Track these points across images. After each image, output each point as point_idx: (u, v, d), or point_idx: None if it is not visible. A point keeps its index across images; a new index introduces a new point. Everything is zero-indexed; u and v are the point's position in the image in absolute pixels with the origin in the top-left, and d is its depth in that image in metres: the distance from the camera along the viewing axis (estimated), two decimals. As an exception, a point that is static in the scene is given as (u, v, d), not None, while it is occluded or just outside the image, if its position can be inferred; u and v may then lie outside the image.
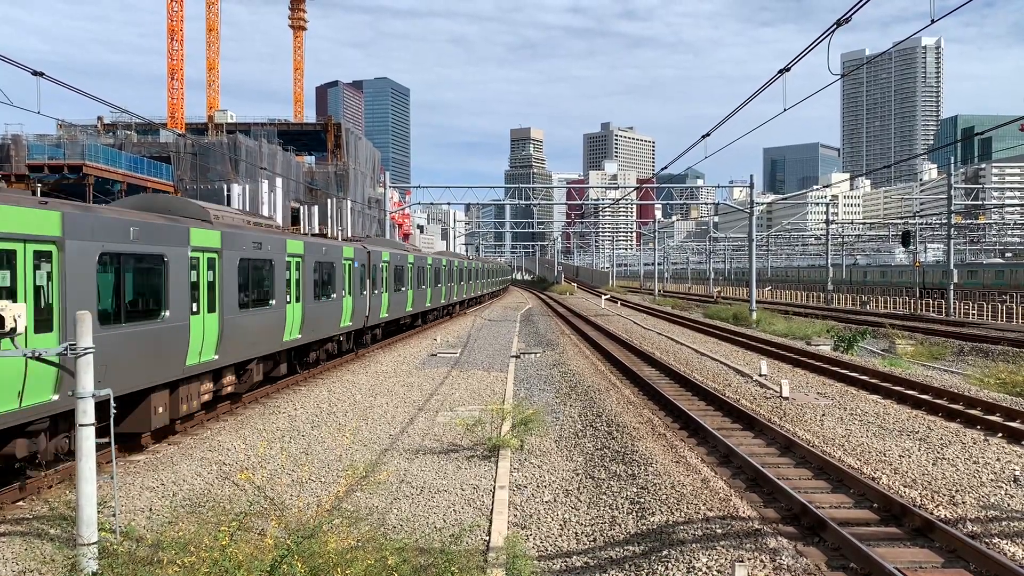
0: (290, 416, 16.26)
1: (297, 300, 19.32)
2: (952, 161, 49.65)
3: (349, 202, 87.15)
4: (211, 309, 14.52)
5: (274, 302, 17.71)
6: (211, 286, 14.59)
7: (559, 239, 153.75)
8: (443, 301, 42.63)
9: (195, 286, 13.95)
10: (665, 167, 20.43)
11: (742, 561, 7.80)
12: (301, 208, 69.45)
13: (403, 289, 31.89)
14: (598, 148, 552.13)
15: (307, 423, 15.75)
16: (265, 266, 17.34)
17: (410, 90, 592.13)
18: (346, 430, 15.40)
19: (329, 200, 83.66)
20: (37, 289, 10.01)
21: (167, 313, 12.84)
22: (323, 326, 21.69)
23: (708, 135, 16.99)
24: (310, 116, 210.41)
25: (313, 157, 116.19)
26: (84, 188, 59.60)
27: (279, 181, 63.02)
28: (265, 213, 68.90)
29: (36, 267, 10.00)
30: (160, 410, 12.81)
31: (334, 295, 22.37)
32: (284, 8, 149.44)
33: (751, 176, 45.43)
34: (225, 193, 51.95)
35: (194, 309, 13.86)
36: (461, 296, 50.26)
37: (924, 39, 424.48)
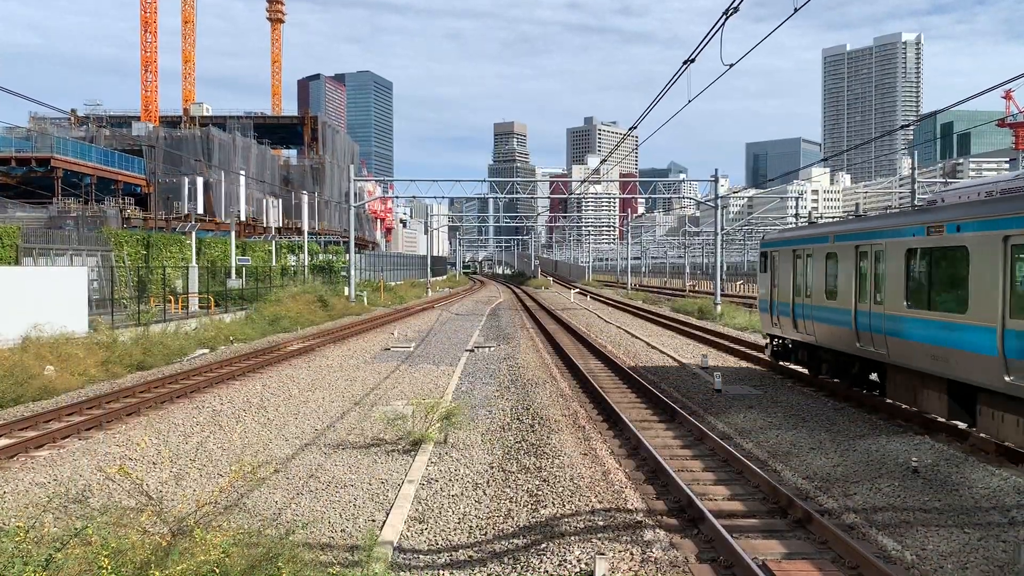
0: (215, 410, 16.14)
1: None
2: (935, 154, 49.93)
3: (315, 195, 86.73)
4: None
5: None
6: None
7: (541, 233, 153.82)
8: None
9: None
10: (603, 161, 20.37)
11: (603, 554, 7.80)
12: (266, 200, 68.88)
13: None
14: (581, 142, 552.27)
15: (232, 418, 15.63)
16: None
17: (393, 84, 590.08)
18: (272, 424, 15.32)
19: (304, 193, 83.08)
20: None
21: None
22: None
23: (635, 127, 17.17)
24: (291, 110, 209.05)
25: (294, 151, 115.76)
26: (52, 181, 59.00)
27: (243, 175, 62.61)
28: (241, 207, 68.37)
29: None
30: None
31: None
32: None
33: (715, 170, 45.63)
34: (186, 187, 51.48)
35: None
36: None
37: (905, 35, 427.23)
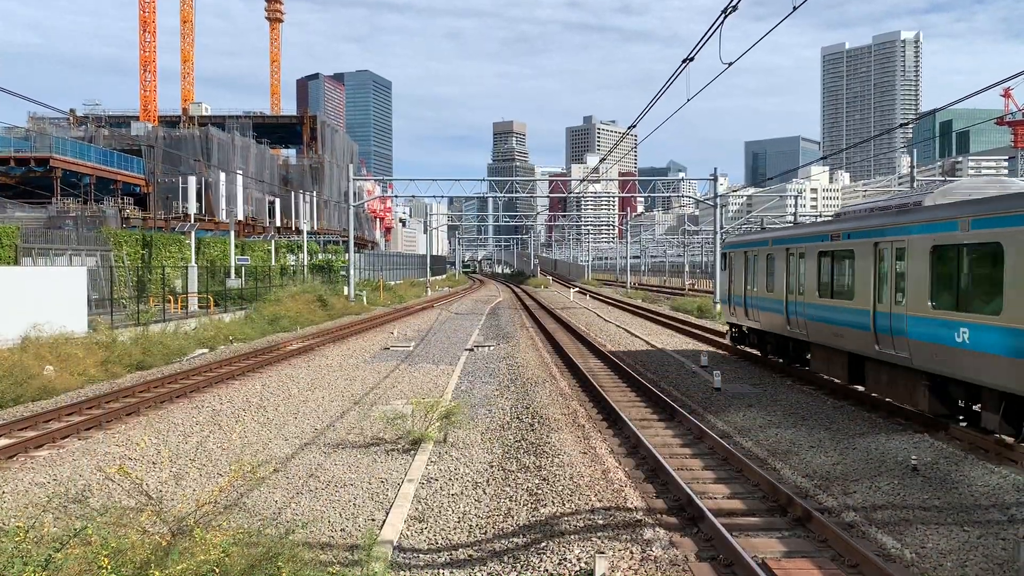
0: (214, 410, 16.13)
1: None
2: (934, 152, 49.99)
3: (314, 195, 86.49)
4: None
5: None
6: None
7: (541, 232, 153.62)
8: None
9: None
10: (602, 159, 20.44)
11: (603, 553, 7.80)
12: (265, 200, 68.69)
13: None
14: (580, 141, 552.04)
15: (231, 417, 15.63)
16: None
17: (392, 83, 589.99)
18: (271, 424, 15.32)
19: (302, 193, 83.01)
20: None
21: None
22: None
23: (634, 125, 17.19)
24: (291, 109, 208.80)
25: (294, 150, 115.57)
26: (51, 181, 58.96)
27: (242, 174, 62.48)
28: (238, 205, 68.35)
29: None
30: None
31: None
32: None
33: (715, 169, 45.68)
34: (191, 187, 51.49)
35: None
36: None
37: (903, 33, 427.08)
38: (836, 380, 17.21)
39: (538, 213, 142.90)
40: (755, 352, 23.23)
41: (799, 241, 18.79)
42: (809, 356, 18.94)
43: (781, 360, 21.03)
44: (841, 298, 16.12)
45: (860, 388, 16.28)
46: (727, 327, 26.34)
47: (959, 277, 12.10)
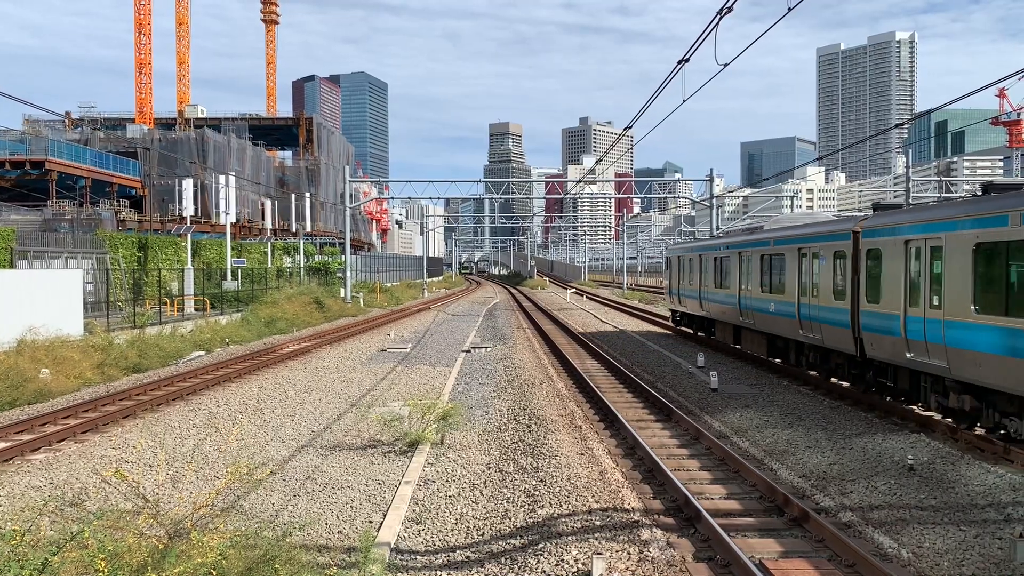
0: (211, 412, 16.10)
1: None
2: (930, 152, 49.93)
3: (310, 196, 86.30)
4: None
5: None
6: None
7: (537, 233, 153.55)
8: None
9: None
10: (599, 160, 20.51)
11: (600, 554, 7.80)
12: (261, 202, 68.54)
13: None
14: (576, 142, 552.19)
15: (228, 419, 15.60)
16: None
17: (388, 84, 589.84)
18: (269, 426, 15.30)
19: (298, 195, 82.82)
20: None
21: None
22: None
23: (630, 126, 17.27)
24: (287, 111, 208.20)
25: (290, 152, 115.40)
26: (47, 184, 58.87)
27: (238, 176, 62.32)
28: (233, 208, 68.16)
29: None
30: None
31: None
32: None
33: (711, 169, 45.73)
34: (178, 188, 51.36)
35: None
36: None
37: (898, 33, 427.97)
38: (728, 344, 25.08)
39: (535, 214, 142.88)
40: (688, 330, 31.30)
41: (706, 250, 26.64)
42: (714, 330, 27.06)
43: (703, 335, 28.92)
44: (725, 288, 23.92)
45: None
46: (670, 313, 35.34)
47: (771, 273, 20.26)
